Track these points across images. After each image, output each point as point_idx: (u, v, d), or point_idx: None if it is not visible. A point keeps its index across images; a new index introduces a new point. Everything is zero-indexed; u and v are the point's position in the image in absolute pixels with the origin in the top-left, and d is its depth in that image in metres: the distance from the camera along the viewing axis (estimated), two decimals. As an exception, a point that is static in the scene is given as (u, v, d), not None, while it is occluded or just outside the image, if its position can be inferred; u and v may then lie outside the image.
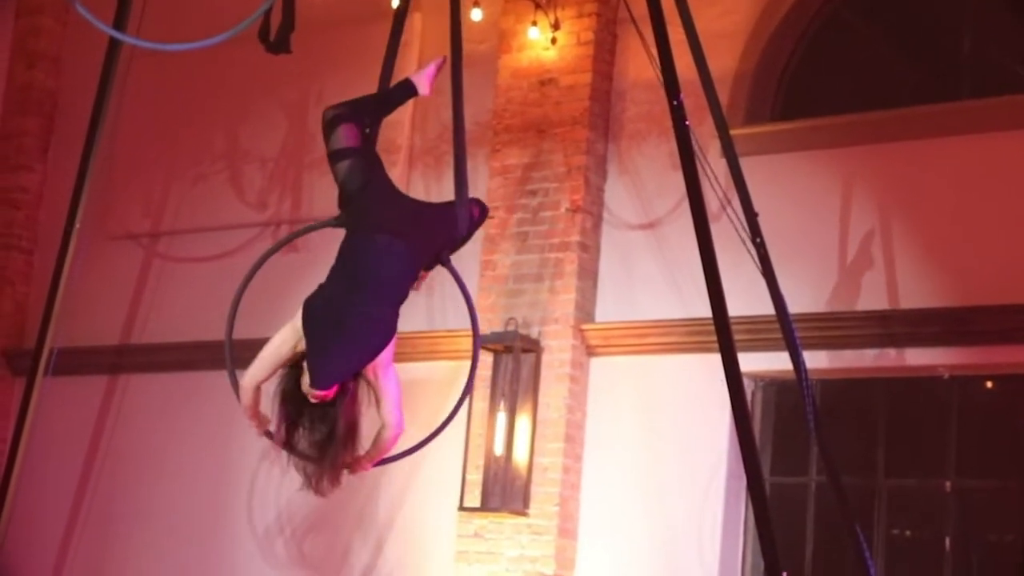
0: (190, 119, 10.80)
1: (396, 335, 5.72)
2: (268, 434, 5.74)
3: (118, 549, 10.35)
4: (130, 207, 10.92)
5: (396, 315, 5.71)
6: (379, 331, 5.65)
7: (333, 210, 6.01)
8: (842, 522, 7.29)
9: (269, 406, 5.70)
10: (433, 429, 6.17)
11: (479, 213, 6.15)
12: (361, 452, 5.77)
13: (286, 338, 5.63)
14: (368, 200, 5.82)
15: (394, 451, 5.91)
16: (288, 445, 5.63)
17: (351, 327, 5.56)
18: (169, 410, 10.34)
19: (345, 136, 5.90)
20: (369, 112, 6.12)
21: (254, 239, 10.10)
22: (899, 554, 8.12)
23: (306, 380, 5.56)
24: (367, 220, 5.75)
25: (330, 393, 5.56)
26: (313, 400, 5.56)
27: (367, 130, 6.06)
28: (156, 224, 10.84)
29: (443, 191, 8.57)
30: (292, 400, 5.60)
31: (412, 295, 5.81)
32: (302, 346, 5.59)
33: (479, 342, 6.42)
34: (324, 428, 5.57)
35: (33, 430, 8.65)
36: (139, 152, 10.86)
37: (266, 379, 5.67)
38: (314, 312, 5.58)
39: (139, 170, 10.90)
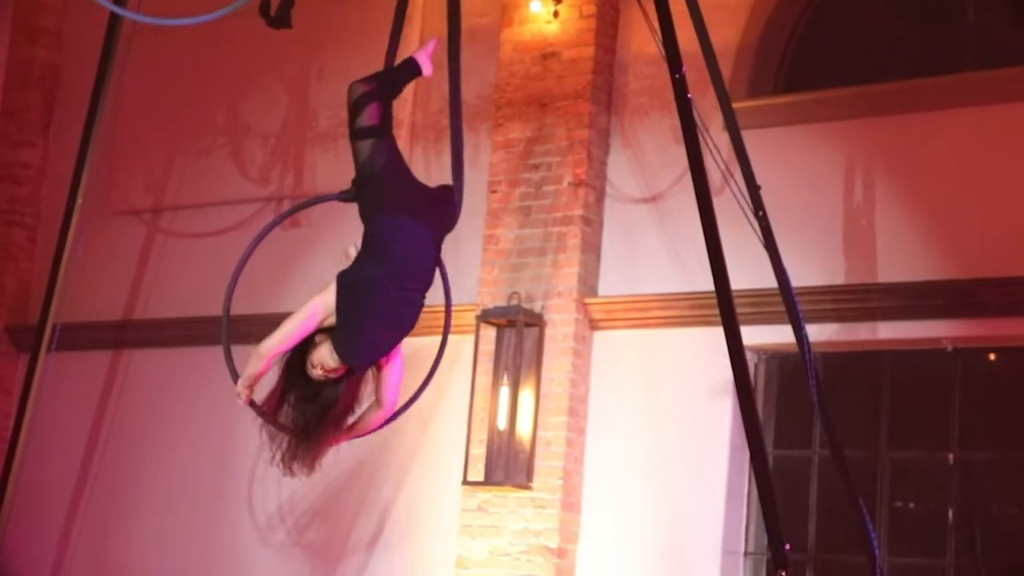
0: (192, 94, 10.77)
1: None
2: (253, 404, 5.73)
3: (122, 524, 10.37)
4: (132, 182, 10.91)
5: (424, 300, 5.71)
6: (412, 313, 5.67)
7: (335, 185, 5.99)
8: (845, 495, 7.30)
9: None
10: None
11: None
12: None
13: (315, 311, 5.62)
14: (388, 181, 5.79)
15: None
16: (276, 418, 5.62)
17: (388, 308, 5.57)
18: (173, 385, 10.34)
19: (371, 114, 5.86)
20: (386, 90, 6.10)
21: (256, 214, 10.08)
22: (902, 526, 8.13)
23: (318, 354, 5.54)
24: (388, 201, 5.73)
25: (343, 370, 5.56)
26: (324, 373, 5.54)
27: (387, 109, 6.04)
28: (158, 199, 10.83)
29: (443, 165, 8.53)
30: (295, 373, 5.60)
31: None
32: (329, 321, 5.58)
33: (451, 321, 6.43)
34: (318, 405, 5.56)
35: (37, 406, 8.69)
36: (141, 127, 10.84)
37: (286, 350, 5.61)
38: (351, 290, 5.56)
39: (141, 145, 10.89)
